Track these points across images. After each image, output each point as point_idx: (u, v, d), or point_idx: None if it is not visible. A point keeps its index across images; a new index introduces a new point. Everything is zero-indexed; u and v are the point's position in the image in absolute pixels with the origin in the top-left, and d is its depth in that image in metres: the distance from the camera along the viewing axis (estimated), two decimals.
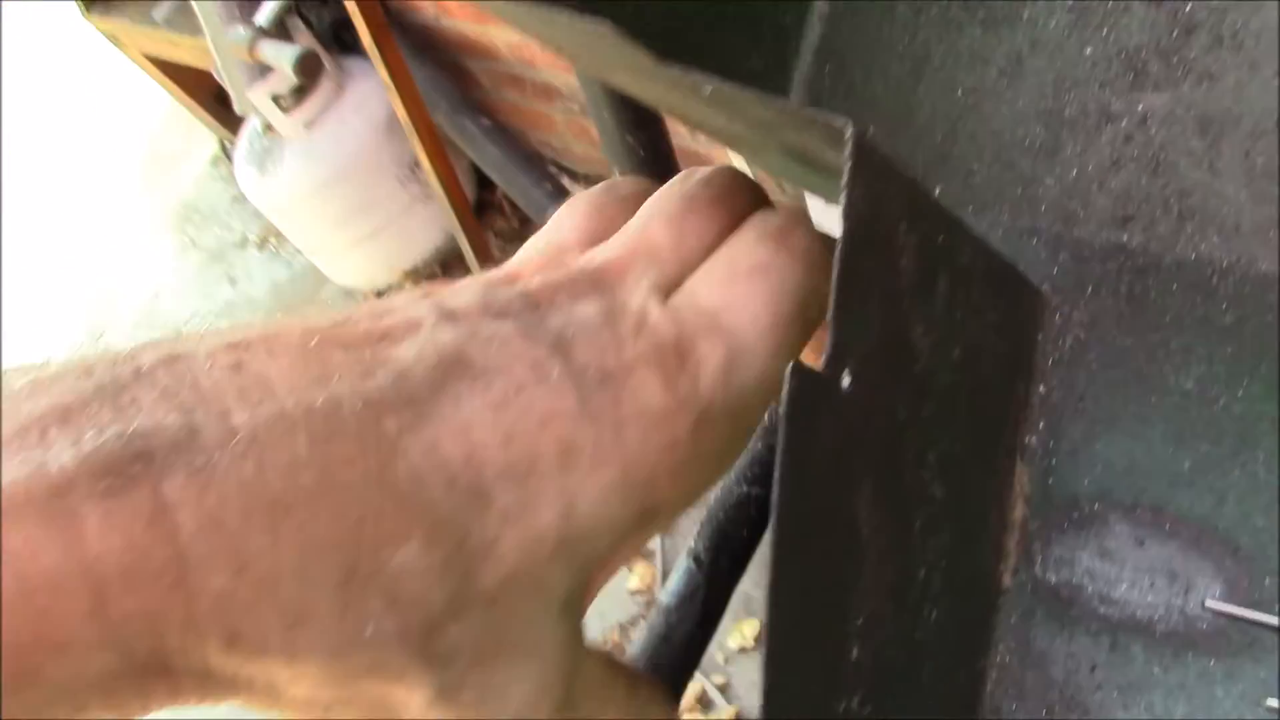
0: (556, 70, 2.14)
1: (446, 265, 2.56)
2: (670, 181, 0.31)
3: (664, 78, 0.25)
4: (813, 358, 0.32)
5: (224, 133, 2.88)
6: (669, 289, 0.28)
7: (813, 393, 0.21)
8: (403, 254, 2.51)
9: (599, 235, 0.31)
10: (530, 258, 0.30)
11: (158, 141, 3.40)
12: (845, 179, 0.22)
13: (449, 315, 0.26)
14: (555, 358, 0.26)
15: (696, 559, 0.51)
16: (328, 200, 2.31)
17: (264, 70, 2.05)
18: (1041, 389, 0.34)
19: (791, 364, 0.21)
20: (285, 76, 2.01)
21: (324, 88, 2.19)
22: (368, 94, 2.24)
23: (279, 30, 1.99)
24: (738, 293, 0.28)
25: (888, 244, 0.25)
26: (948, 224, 0.28)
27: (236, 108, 2.16)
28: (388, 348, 0.25)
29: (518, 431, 0.25)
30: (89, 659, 0.21)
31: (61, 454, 0.21)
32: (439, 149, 2.11)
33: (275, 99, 2.12)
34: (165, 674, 0.22)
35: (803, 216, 0.30)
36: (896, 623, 0.26)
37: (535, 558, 0.25)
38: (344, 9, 1.95)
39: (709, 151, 2.04)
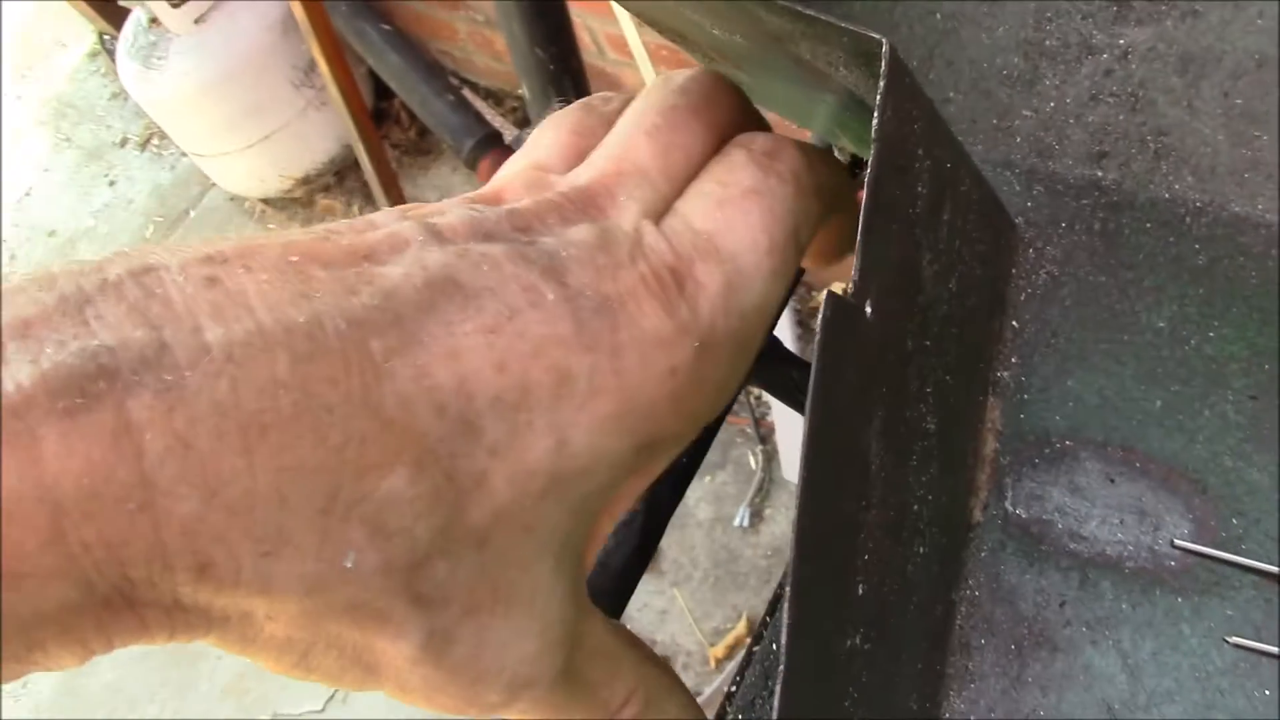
0: None
1: (341, 175, 2.49)
2: (646, 90, 0.30)
3: None
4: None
5: (103, 25, 2.74)
6: (659, 210, 0.27)
7: (845, 320, 0.21)
8: (295, 161, 2.43)
9: (580, 153, 0.29)
10: (510, 179, 0.29)
11: (30, 32, 3.23)
12: (880, 98, 0.21)
13: (436, 234, 0.25)
14: (549, 281, 0.24)
15: None
16: (216, 100, 2.22)
17: None
18: (1014, 324, 0.33)
19: (827, 291, 0.20)
20: None
21: None
22: None
23: None
24: (732, 216, 0.27)
25: (909, 169, 0.24)
26: (955, 150, 0.27)
27: None
28: (372, 266, 0.24)
29: (511, 358, 0.24)
30: (46, 591, 0.19)
31: (18, 371, 0.19)
32: (337, 52, 2.04)
33: None
34: (129, 608, 0.21)
35: (787, 138, 0.29)
36: (892, 557, 0.25)
37: (526, 493, 0.24)
38: None
39: (617, 71, 2.01)
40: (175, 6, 2.04)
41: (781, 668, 0.19)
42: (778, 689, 0.19)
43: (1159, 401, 0.32)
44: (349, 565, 0.22)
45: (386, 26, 2.16)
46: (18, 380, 0.19)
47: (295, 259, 0.23)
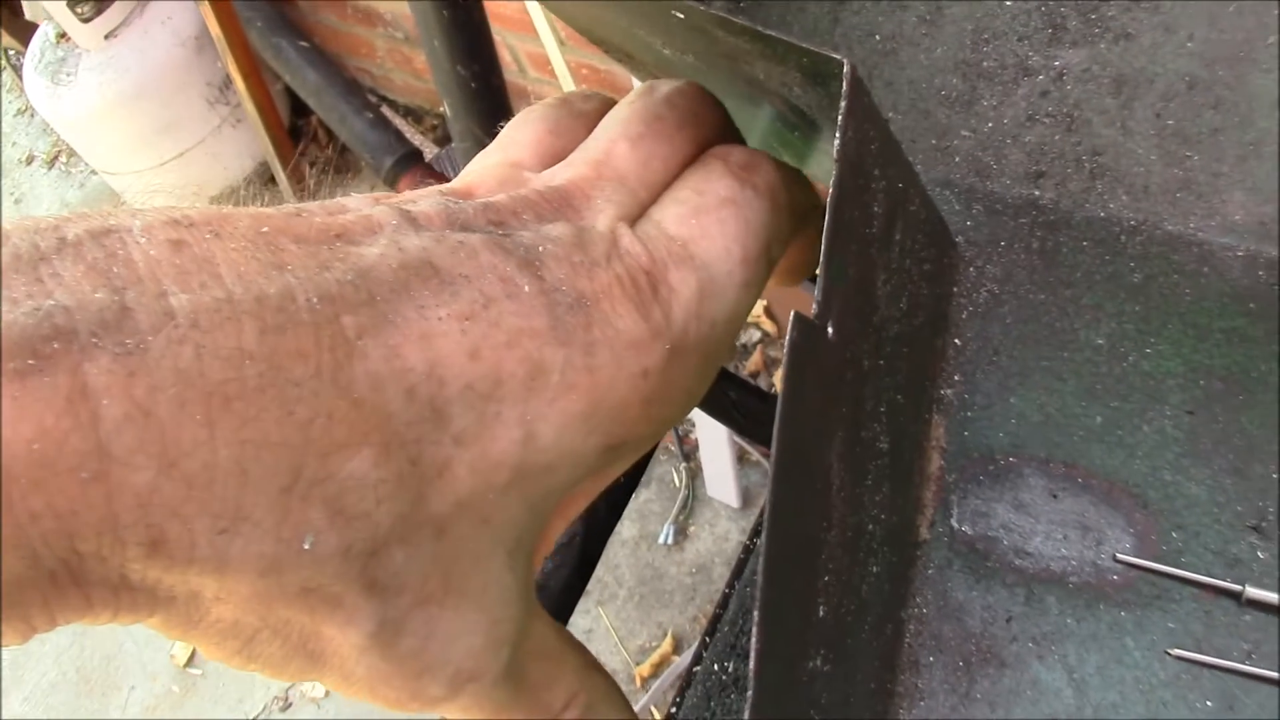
0: None
1: (257, 193, 2.45)
2: (630, 96, 0.29)
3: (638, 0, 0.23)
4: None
5: (8, 40, 2.67)
6: (634, 216, 0.27)
7: (810, 342, 0.20)
8: (210, 178, 2.39)
9: (556, 152, 0.29)
10: (483, 174, 0.28)
11: None
12: (841, 119, 0.21)
13: (411, 220, 0.24)
14: (526, 273, 0.24)
15: None
16: (128, 117, 2.17)
17: None
18: (957, 342, 0.34)
19: (794, 313, 0.20)
20: None
21: None
22: (174, 6, 2.12)
23: None
24: (708, 224, 0.27)
25: (866, 188, 0.24)
26: (907, 170, 0.28)
27: (27, 13, 2.00)
28: (346, 245, 0.23)
29: (484, 346, 0.23)
30: None
31: None
32: (253, 69, 2.01)
33: (72, 5, 1.97)
34: (76, 584, 0.20)
35: (764, 153, 0.29)
36: (850, 577, 0.25)
37: (489, 484, 0.23)
38: None
39: (538, 89, 2.01)
40: (85, 21, 2.00)
41: (750, 692, 0.19)
42: (746, 713, 0.19)
43: (1099, 417, 0.32)
44: (307, 547, 0.21)
45: (304, 43, 2.13)
46: None
47: (266, 230, 0.22)
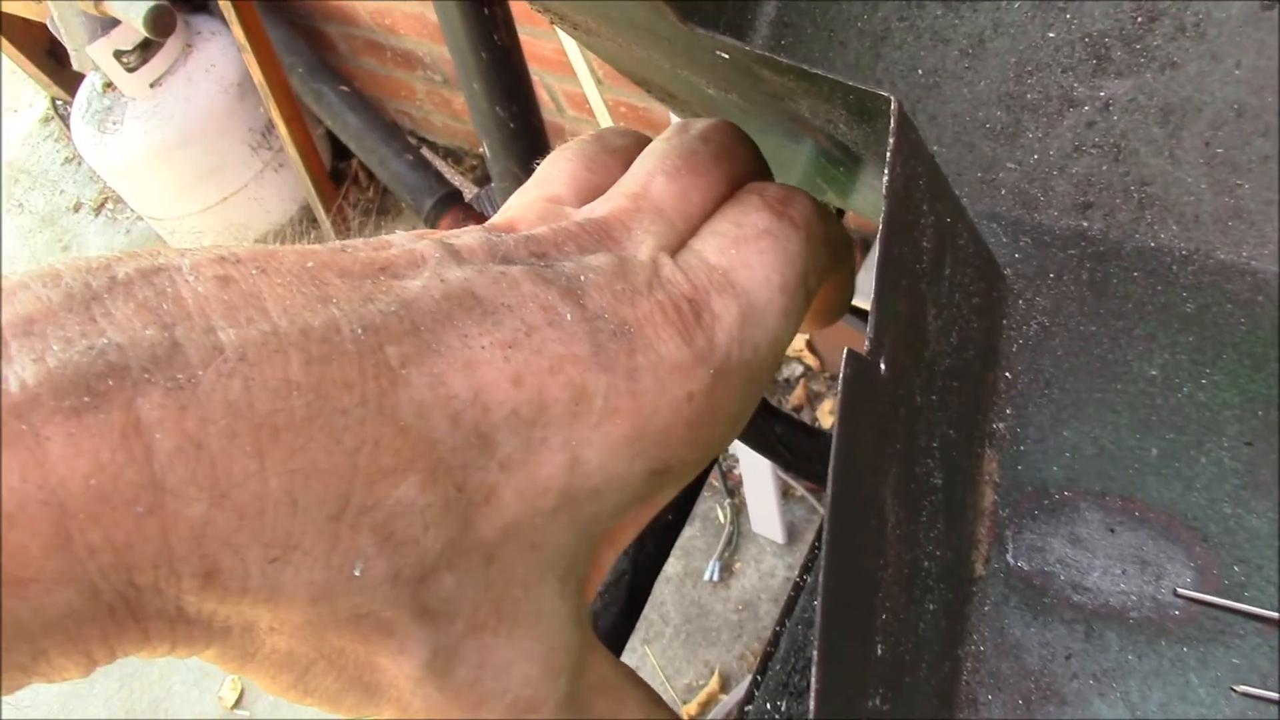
0: (419, 38, 2.08)
1: (300, 236, 2.48)
2: (665, 134, 0.30)
3: (682, 40, 0.23)
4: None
5: (56, 90, 2.73)
6: (674, 247, 0.28)
7: (863, 379, 0.20)
8: (253, 223, 2.42)
9: (593, 187, 0.30)
10: (523, 209, 0.29)
11: None
12: (890, 155, 0.21)
13: (454, 253, 0.25)
14: (567, 302, 0.24)
15: None
16: (173, 164, 2.21)
17: (106, 24, 1.94)
18: (1008, 375, 0.33)
19: (847, 349, 0.20)
20: (131, 31, 1.90)
21: (171, 45, 2.09)
22: (217, 54, 2.15)
23: None
24: (747, 254, 0.27)
25: (915, 224, 0.24)
26: (955, 204, 0.27)
27: (74, 64, 2.04)
28: (390, 279, 0.24)
29: (527, 373, 0.23)
30: (50, 597, 0.19)
31: (22, 369, 0.19)
32: (295, 113, 2.04)
33: (118, 55, 2.01)
34: (134, 617, 0.20)
35: (798, 188, 0.29)
36: (905, 616, 0.25)
37: (536, 510, 0.24)
38: None
39: (576, 127, 2.02)
40: (131, 71, 2.04)
41: None
42: None
43: (1155, 450, 0.32)
44: (357, 573, 0.21)
45: (344, 88, 2.17)
46: (22, 379, 0.18)
47: (311, 265, 0.23)
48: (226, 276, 0.21)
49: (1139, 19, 0.35)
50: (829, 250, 0.29)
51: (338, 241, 0.25)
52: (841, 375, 0.19)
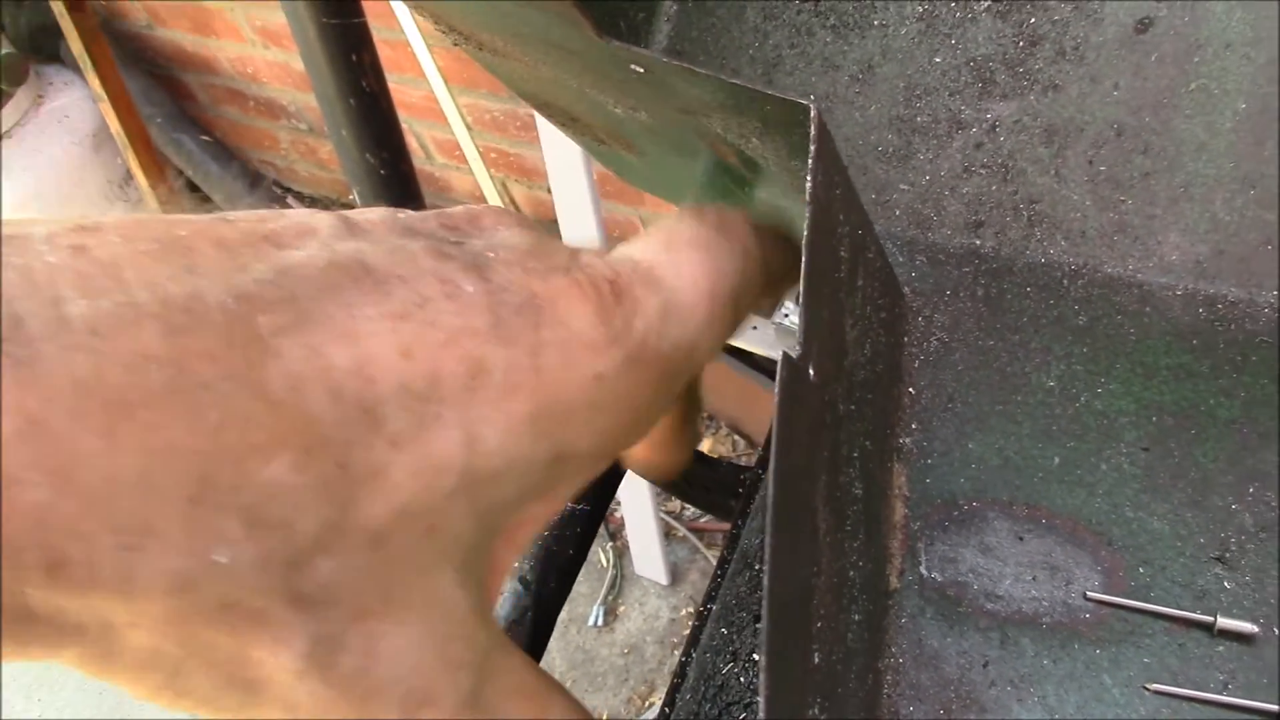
0: (282, 86, 2.05)
1: None
2: None
3: (595, 55, 0.23)
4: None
5: None
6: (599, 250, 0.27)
7: (796, 382, 0.20)
8: None
9: None
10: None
11: None
12: (811, 162, 0.21)
13: (351, 226, 0.23)
14: (469, 275, 0.23)
15: (523, 580, 0.49)
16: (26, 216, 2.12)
17: None
18: (911, 391, 0.34)
19: (783, 352, 0.19)
20: None
21: (21, 95, 2.02)
22: (70, 104, 2.09)
23: None
24: (676, 257, 0.27)
25: (834, 232, 0.24)
26: (865, 218, 0.28)
27: None
28: (270, 249, 0.22)
29: (418, 345, 0.22)
30: None
31: None
32: (155, 164, 1.99)
33: None
34: None
35: (737, 212, 0.29)
36: (836, 624, 0.25)
37: (433, 490, 0.22)
38: (45, 12, 1.81)
39: (445, 175, 2.01)
40: None
41: None
42: None
43: (1057, 458, 0.33)
44: (221, 560, 0.20)
45: (206, 137, 2.12)
46: None
47: (184, 234, 0.21)
48: (82, 245, 0.20)
49: (1021, 43, 0.36)
50: (765, 275, 0.28)
51: (217, 214, 0.23)
52: (778, 378, 0.19)
